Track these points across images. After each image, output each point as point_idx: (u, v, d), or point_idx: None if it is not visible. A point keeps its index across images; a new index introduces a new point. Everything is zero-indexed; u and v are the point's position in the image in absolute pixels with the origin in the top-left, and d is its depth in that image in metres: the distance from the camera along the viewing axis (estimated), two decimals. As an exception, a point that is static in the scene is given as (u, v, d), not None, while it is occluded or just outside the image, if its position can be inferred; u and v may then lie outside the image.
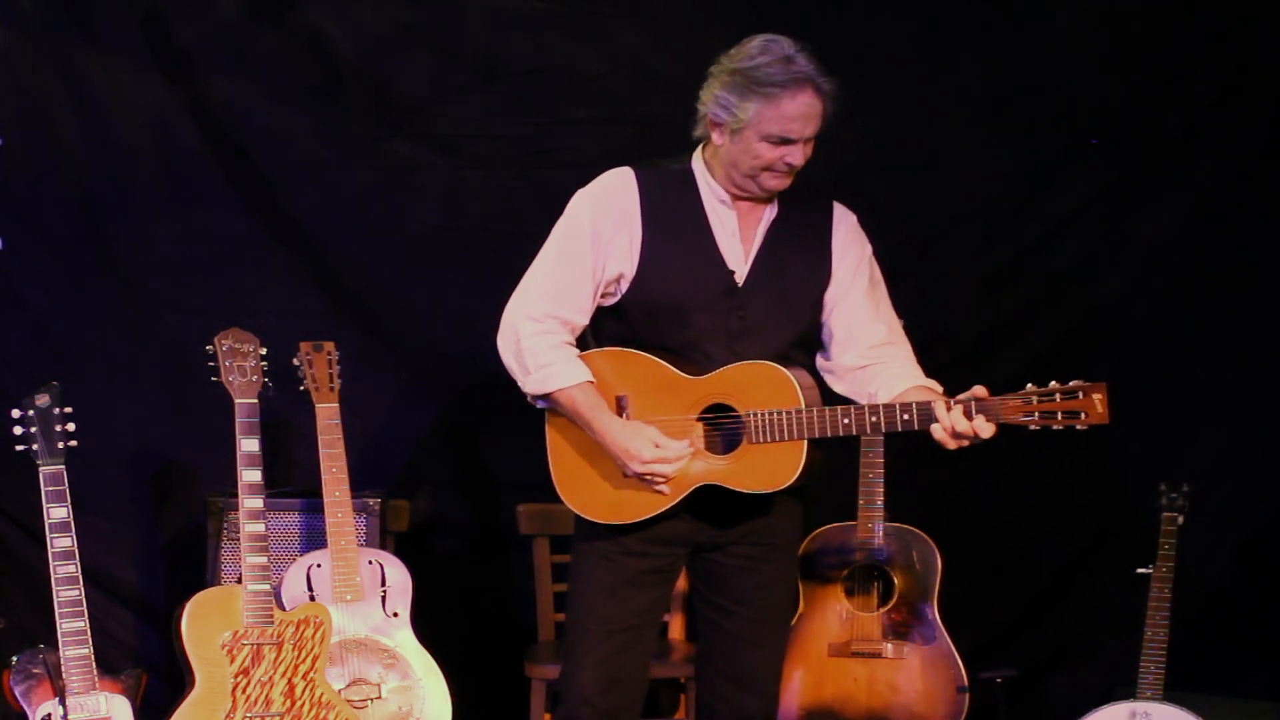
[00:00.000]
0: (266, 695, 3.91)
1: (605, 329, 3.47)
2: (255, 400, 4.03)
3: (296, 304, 4.76)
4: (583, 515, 3.45)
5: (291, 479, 4.64)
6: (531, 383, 3.38)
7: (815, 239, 3.48)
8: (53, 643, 3.88)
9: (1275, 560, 4.75)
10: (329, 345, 4.36)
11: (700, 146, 3.45)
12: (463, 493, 4.91)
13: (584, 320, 3.44)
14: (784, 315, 3.44)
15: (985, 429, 3.24)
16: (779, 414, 3.31)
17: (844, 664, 4.37)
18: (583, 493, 3.44)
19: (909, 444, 4.54)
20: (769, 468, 3.33)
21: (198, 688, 3.87)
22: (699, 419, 3.39)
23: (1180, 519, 4.35)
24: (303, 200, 4.79)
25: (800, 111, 3.30)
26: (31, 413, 3.85)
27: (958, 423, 3.23)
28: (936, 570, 4.36)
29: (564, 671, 3.54)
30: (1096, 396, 3.26)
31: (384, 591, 4.25)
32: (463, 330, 4.78)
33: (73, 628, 3.82)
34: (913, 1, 4.81)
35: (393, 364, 4.85)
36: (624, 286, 3.41)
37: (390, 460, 4.80)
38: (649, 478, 3.33)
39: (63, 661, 3.83)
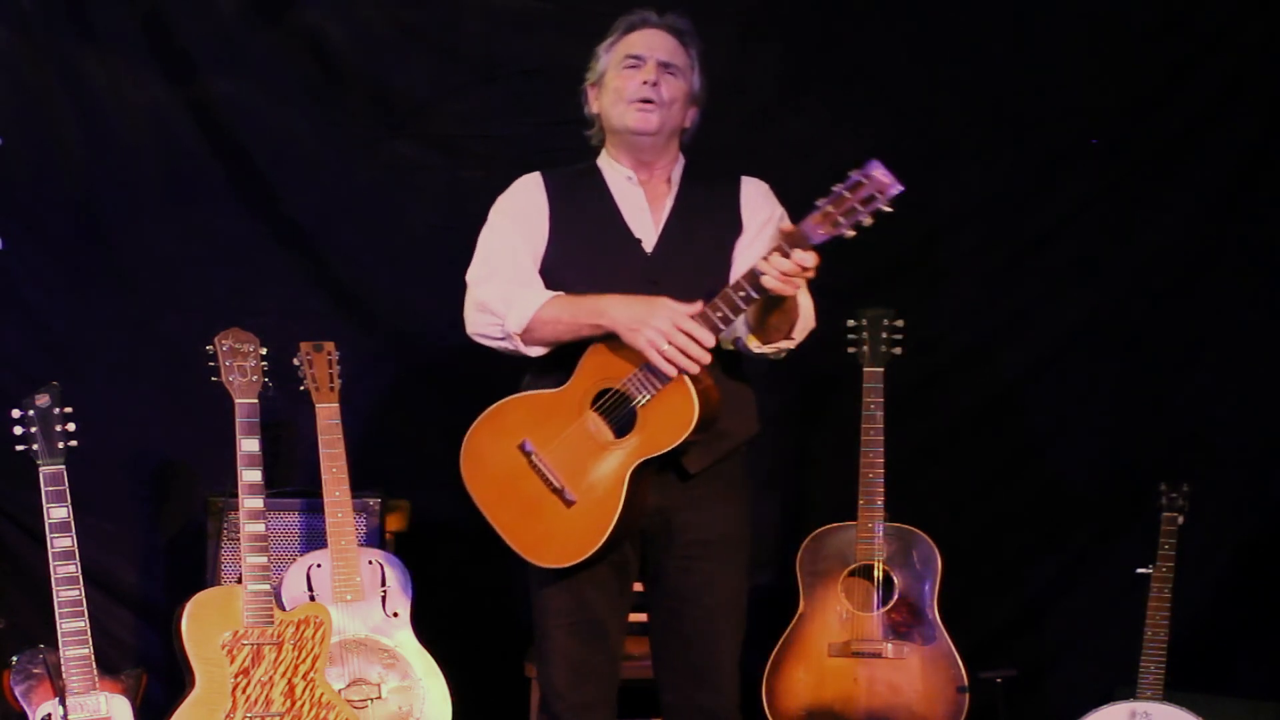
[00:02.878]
0: (266, 695, 3.91)
1: None
2: (255, 400, 4.03)
3: (296, 304, 4.76)
4: (540, 564, 3.45)
5: (291, 479, 4.64)
6: (514, 320, 3.46)
7: (724, 204, 3.60)
8: (53, 643, 3.88)
9: (1275, 560, 4.75)
10: (329, 345, 4.36)
11: (603, 145, 3.66)
12: (463, 493, 4.89)
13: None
14: (695, 278, 3.47)
15: (806, 258, 3.22)
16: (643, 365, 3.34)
17: (844, 664, 4.37)
18: (531, 534, 3.46)
19: (909, 444, 4.58)
20: (671, 416, 3.33)
21: (198, 688, 3.87)
22: (591, 410, 3.41)
23: (1180, 519, 4.36)
24: (303, 200, 4.79)
25: (646, 38, 3.55)
26: (31, 413, 3.86)
27: (779, 265, 3.22)
28: (936, 570, 4.36)
29: (537, 670, 3.64)
30: (875, 172, 3.26)
31: (384, 591, 4.25)
32: (462, 330, 4.77)
33: (73, 628, 3.82)
34: (912, 2, 4.81)
35: (393, 364, 4.85)
36: (539, 266, 3.53)
37: (390, 460, 4.80)
38: (668, 349, 3.27)
39: (63, 661, 3.83)
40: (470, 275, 3.60)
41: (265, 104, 4.74)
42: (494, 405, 3.53)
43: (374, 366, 4.77)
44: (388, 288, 4.84)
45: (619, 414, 3.40)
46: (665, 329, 3.27)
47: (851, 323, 4.45)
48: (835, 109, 4.82)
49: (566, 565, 3.43)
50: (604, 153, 3.66)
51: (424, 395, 4.86)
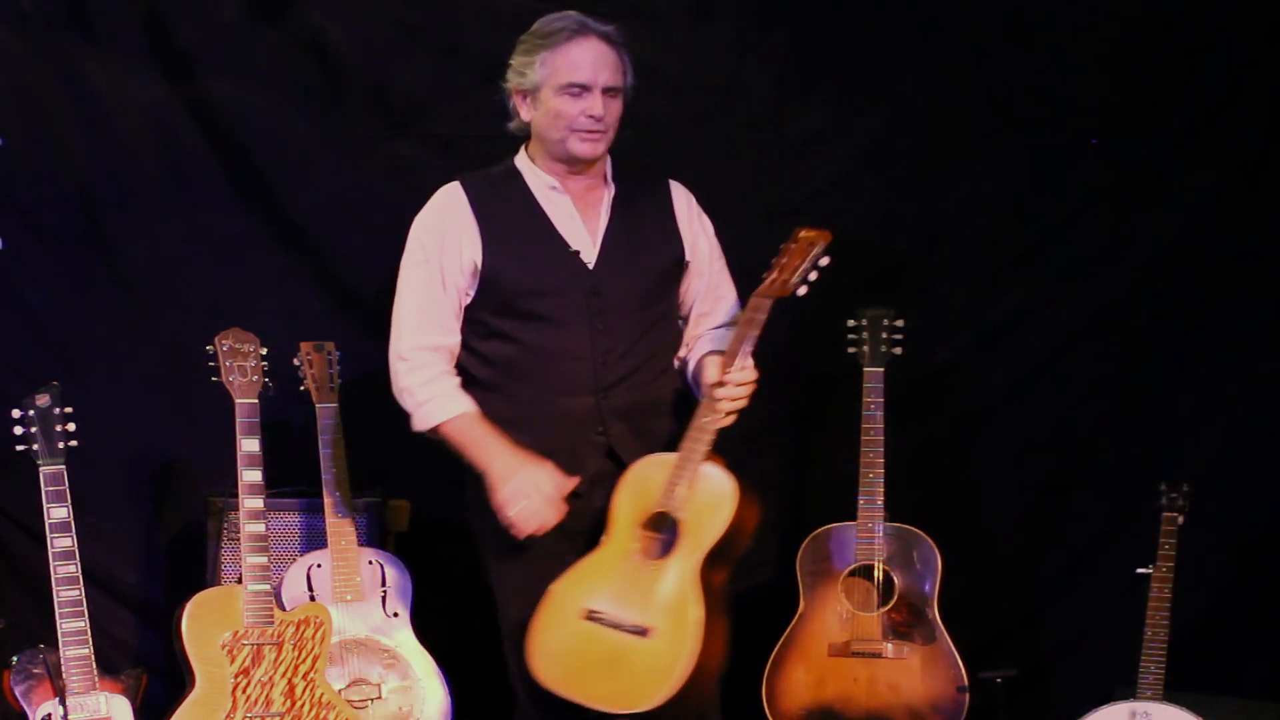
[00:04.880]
0: (266, 695, 3.91)
1: (474, 340, 3.53)
2: (255, 400, 4.03)
3: (296, 304, 4.76)
4: (641, 708, 3.42)
5: (291, 479, 4.64)
6: (416, 421, 3.49)
7: (659, 215, 3.59)
8: (53, 643, 3.88)
9: (1275, 560, 4.75)
10: (329, 345, 4.37)
11: (523, 145, 3.58)
12: (463, 493, 4.89)
13: (454, 338, 3.52)
14: (640, 294, 3.52)
15: (746, 376, 3.44)
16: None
17: (844, 664, 4.37)
18: (623, 685, 3.44)
19: (909, 444, 4.58)
20: (711, 505, 3.44)
21: (198, 688, 3.87)
22: (642, 534, 3.47)
23: (1180, 519, 4.35)
24: (303, 200, 4.78)
25: (588, 57, 3.41)
26: (31, 413, 3.86)
27: (730, 404, 3.43)
28: (936, 570, 4.36)
29: (512, 674, 3.64)
30: (802, 233, 3.47)
31: (384, 591, 4.26)
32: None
33: (73, 628, 3.83)
34: (912, 2, 4.81)
35: (393, 364, 4.84)
36: (475, 292, 3.49)
37: (390, 460, 4.79)
38: (516, 524, 3.39)
39: (63, 661, 3.83)
40: (395, 320, 3.55)
41: (265, 104, 4.74)
42: (542, 602, 3.51)
43: (374, 366, 4.76)
44: (388, 288, 4.82)
45: (665, 530, 3.45)
46: (535, 507, 3.36)
47: (851, 323, 4.45)
48: (835, 109, 4.81)
49: (666, 693, 3.38)
50: (524, 152, 3.60)
51: (424, 395, 4.85)
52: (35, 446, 3.85)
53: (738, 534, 3.48)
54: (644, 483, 3.50)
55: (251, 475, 3.99)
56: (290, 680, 3.94)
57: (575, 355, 3.47)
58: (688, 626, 3.40)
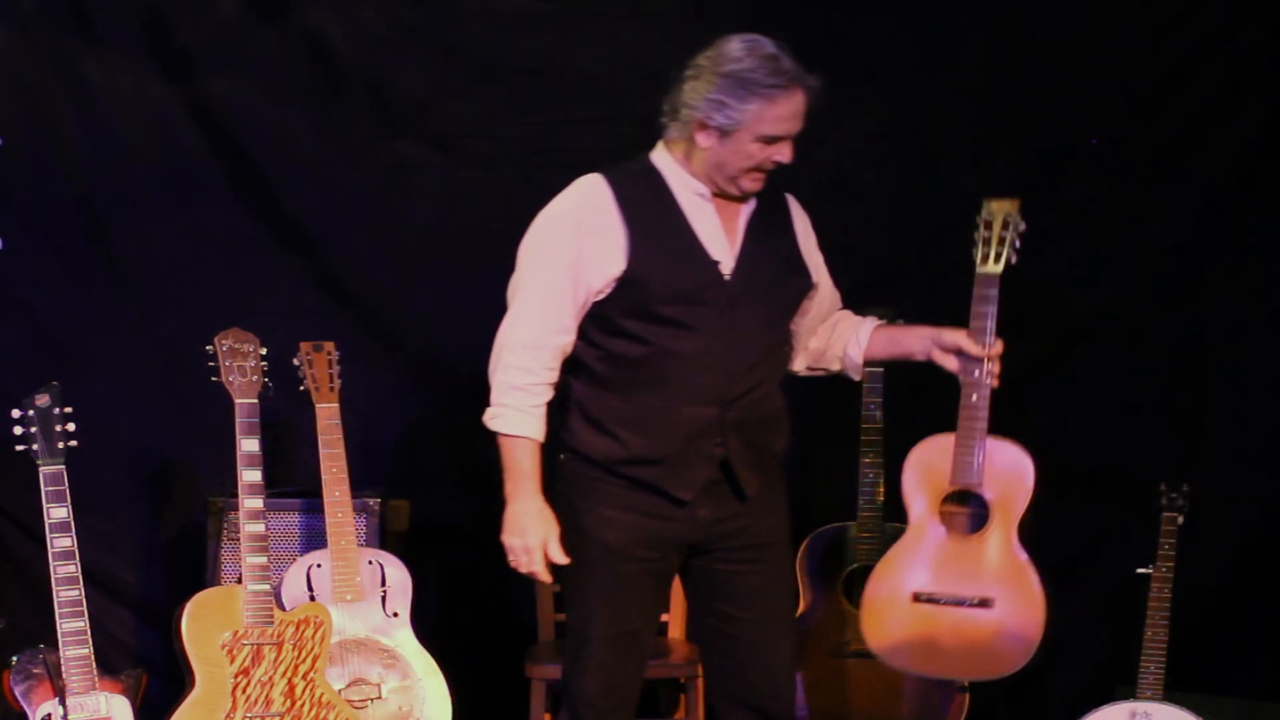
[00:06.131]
0: (266, 695, 3.91)
1: (598, 335, 3.43)
2: (255, 400, 4.03)
3: (296, 304, 4.76)
4: (1001, 675, 3.81)
5: (291, 479, 4.64)
6: (487, 415, 3.44)
7: (783, 231, 3.55)
8: (53, 643, 3.88)
9: (1275, 560, 4.75)
10: (329, 345, 4.37)
11: (661, 145, 3.46)
12: (463, 493, 4.90)
13: (569, 337, 3.43)
14: (771, 311, 3.49)
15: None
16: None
17: (844, 664, 4.37)
18: (976, 656, 3.76)
19: (909, 444, 4.57)
20: (1015, 477, 3.81)
21: (198, 688, 3.87)
22: (944, 509, 3.79)
23: (1180, 519, 4.35)
24: (303, 200, 4.79)
25: (794, 111, 3.36)
26: (31, 413, 3.86)
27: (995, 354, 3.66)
28: (936, 570, 4.35)
29: (566, 675, 3.54)
30: (995, 204, 3.71)
31: (384, 591, 4.26)
32: (463, 330, 4.75)
33: (73, 628, 3.82)
34: (912, 2, 4.81)
35: (393, 364, 4.85)
36: (610, 291, 3.39)
37: (390, 460, 4.80)
38: (515, 561, 3.39)
39: (63, 661, 3.83)
40: (514, 310, 3.45)
41: (265, 104, 4.74)
42: (865, 594, 3.81)
43: (374, 366, 4.77)
44: (388, 288, 4.84)
45: (972, 505, 3.73)
46: (527, 550, 3.36)
47: (851, 323, 4.45)
48: (835, 109, 4.80)
49: (1027, 656, 3.73)
50: (665, 152, 3.44)
51: (424, 395, 4.86)
52: (35, 446, 3.85)
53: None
54: (928, 466, 3.81)
55: (251, 475, 3.99)
56: (290, 680, 3.94)
57: (708, 365, 3.38)
58: (1032, 591, 3.75)
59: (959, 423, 3.75)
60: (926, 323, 4.60)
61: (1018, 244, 3.72)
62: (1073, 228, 4.84)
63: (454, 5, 4.78)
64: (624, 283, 3.37)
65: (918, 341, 3.64)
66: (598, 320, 3.41)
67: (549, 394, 3.42)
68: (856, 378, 3.80)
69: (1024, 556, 3.77)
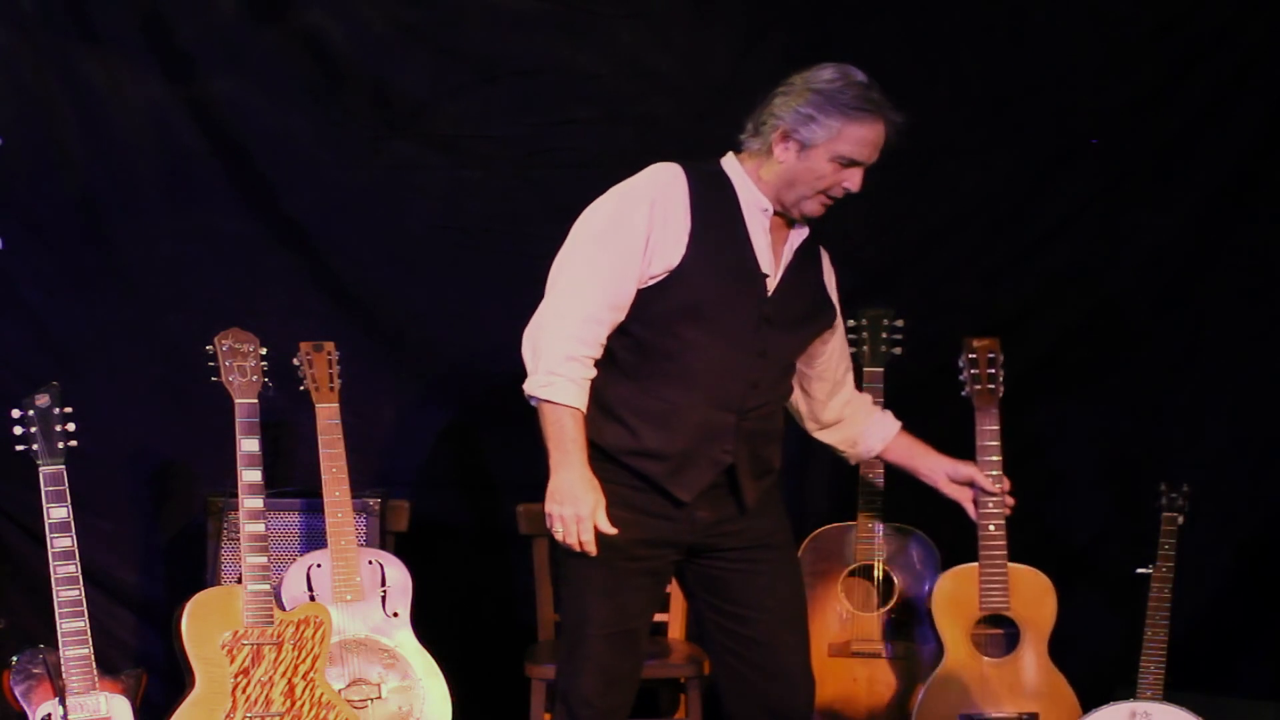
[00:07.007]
0: (266, 695, 3.92)
1: (630, 322, 3.41)
2: (255, 400, 4.04)
3: (296, 304, 4.76)
4: None
5: (291, 479, 4.64)
6: (533, 383, 3.36)
7: (818, 268, 3.59)
8: (53, 643, 3.88)
9: (1275, 560, 4.75)
10: (329, 345, 4.36)
11: (732, 155, 3.47)
12: (463, 493, 4.90)
13: (620, 315, 3.40)
14: (795, 333, 3.51)
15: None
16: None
17: (844, 664, 4.37)
18: None
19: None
20: (1038, 597, 4.25)
21: (198, 688, 3.87)
22: (980, 640, 4.21)
23: (1180, 519, 4.35)
24: (303, 200, 4.78)
25: (874, 138, 3.39)
26: (31, 413, 3.86)
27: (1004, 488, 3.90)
28: (936, 570, 4.36)
29: (562, 673, 3.54)
30: (975, 343, 4.22)
31: (384, 591, 4.26)
32: (463, 330, 4.78)
33: (73, 628, 3.83)
34: (912, 1, 4.81)
35: (393, 364, 4.84)
36: (657, 281, 3.38)
37: (390, 460, 4.80)
38: (564, 531, 3.31)
39: (63, 661, 3.83)
40: (577, 280, 3.37)
41: (265, 104, 4.74)
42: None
43: (374, 366, 4.77)
44: (388, 288, 4.83)
45: (1004, 628, 4.15)
46: (578, 519, 3.29)
47: (851, 323, 4.44)
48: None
49: None
50: (737, 162, 3.47)
51: (424, 395, 4.86)
52: (35, 446, 3.85)
53: None
54: (955, 598, 4.19)
55: (251, 475, 4.00)
56: (290, 680, 3.94)
57: (735, 373, 3.40)
58: (1070, 701, 4.16)
59: (980, 553, 4.14)
60: (926, 322, 4.64)
61: (1001, 377, 4.19)
62: (1073, 228, 4.84)
63: (454, 5, 4.78)
64: (675, 275, 3.38)
65: (930, 469, 3.76)
66: (635, 307, 3.40)
67: (594, 372, 3.39)
68: (853, 463, 3.98)
69: (1056, 670, 4.19)
